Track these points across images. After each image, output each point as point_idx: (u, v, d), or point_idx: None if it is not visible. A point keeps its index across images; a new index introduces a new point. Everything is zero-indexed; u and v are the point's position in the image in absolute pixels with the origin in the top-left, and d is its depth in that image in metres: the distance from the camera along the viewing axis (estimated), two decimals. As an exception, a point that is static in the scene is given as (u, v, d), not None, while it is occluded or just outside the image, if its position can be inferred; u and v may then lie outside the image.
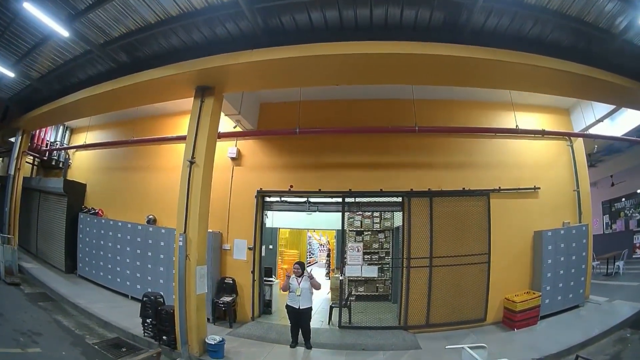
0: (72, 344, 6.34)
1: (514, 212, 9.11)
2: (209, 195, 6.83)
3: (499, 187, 8.97)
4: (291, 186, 8.72)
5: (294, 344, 7.21)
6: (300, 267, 7.30)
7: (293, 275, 7.20)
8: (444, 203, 8.55)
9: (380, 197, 8.73)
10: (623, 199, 17.90)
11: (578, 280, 9.27)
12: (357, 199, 8.71)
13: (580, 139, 10.18)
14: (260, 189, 8.86)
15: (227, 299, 8.31)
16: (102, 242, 9.94)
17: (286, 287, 7.14)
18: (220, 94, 7.19)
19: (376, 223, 11.06)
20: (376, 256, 10.72)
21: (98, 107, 8.85)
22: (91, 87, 8.02)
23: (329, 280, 12.06)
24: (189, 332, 6.39)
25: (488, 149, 9.26)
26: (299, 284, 7.09)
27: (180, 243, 6.48)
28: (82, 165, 11.63)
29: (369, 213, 10.91)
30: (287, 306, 7.14)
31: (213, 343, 6.34)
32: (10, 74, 8.32)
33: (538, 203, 9.40)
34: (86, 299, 8.62)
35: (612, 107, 9.25)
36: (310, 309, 7.19)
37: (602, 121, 9.84)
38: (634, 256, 15.20)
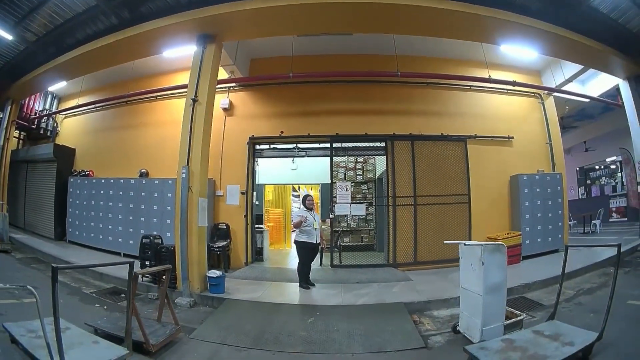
0: (69, 294, 6.22)
1: (491, 158, 9.41)
2: (209, 131, 6.90)
3: (475, 134, 9.27)
4: (282, 132, 8.84)
5: (311, 284, 6.82)
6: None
7: (305, 209, 6.91)
8: (425, 146, 8.76)
9: (365, 141, 8.93)
10: (596, 167, 18.47)
11: (556, 225, 9.51)
12: (344, 144, 8.90)
13: (551, 98, 10.57)
14: (252, 135, 8.95)
15: (222, 243, 8.27)
16: (92, 203, 9.78)
17: (300, 223, 6.67)
18: (220, 43, 7.31)
19: (359, 175, 11.17)
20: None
21: (96, 63, 8.69)
22: (91, 42, 7.94)
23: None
24: (190, 268, 6.30)
25: (464, 101, 9.58)
26: (314, 218, 6.83)
27: (183, 175, 6.48)
28: (71, 131, 11.44)
29: (352, 165, 11.08)
30: (302, 243, 6.72)
31: (214, 276, 6.23)
32: (9, 37, 7.99)
33: (513, 151, 9.74)
34: (79, 258, 8.44)
35: (580, 68, 9.57)
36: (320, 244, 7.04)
37: (571, 81, 10.22)
38: (610, 220, 15.58)
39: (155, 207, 8.80)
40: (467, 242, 4.51)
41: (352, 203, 8.48)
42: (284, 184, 13.08)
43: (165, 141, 8.99)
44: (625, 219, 15.57)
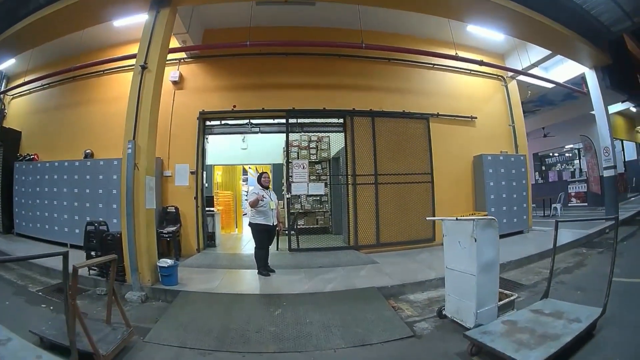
0: (15, 293, 5.43)
1: (453, 137, 8.99)
2: (158, 102, 6.10)
3: (438, 113, 8.80)
4: (234, 106, 8.04)
5: (271, 270, 6.12)
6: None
7: (260, 188, 6.12)
8: (386, 123, 8.19)
9: (323, 117, 8.27)
10: (550, 154, 18.54)
11: (521, 207, 9.29)
12: (300, 120, 8.19)
13: (514, 82, 10.34)
14: (203, 110, 8.08)
15: (172, 228, 7.43)
16: (37, 189, 8.78)
17: (257, 202, 5.83)
18: (175, 7, 6.48)
19: (313, 154, 10.39)
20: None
21: (44, 33, 7.56)
22: (39, 11, 6.93)
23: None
24: (138, 257, 5.47)
25: (426, 78, 9.08)
26: (270, 197, 6.07)
27: (129, 150, 5.63)
28: (17, 112, 10.24)
29: (306, 144, 10.34)
30: (258, 225, 5.94)
31: (165, 266, 5.41)
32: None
33: (476, 132, 9.39)
34: (25, 253, 7.36)
35: (546, 53, 9.31)
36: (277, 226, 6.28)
37: (535, 67, 9.97)
38: (569, 204, 15.54)
39: (100, 191, 7.86)
40: (457, 217, 4.01)
41: (310, 182, 7.76)
42: (234, 164, 12.20)
43: (113, 118, 8.00)
44: (586, 204, 15.59)
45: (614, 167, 9.94)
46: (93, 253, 6.03)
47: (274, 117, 8.38)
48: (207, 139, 8.51)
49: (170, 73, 8.17)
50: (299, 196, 9.45)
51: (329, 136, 10.10)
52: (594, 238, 8.06)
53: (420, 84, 8.92)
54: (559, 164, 18.68)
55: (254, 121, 8.49)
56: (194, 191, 7.86)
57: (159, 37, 6.08)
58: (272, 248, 7.20)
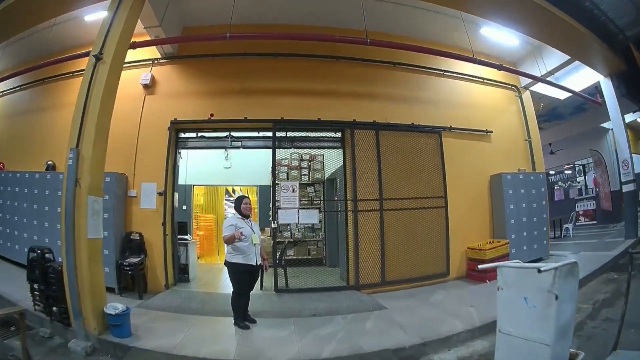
0: None
1: (468, 154, 7.63)
2: (112, 101, 4.78)
3: (450, 126, 7.40)
4: (211, 115, 6.50)
5: (251, 321, 4.68)
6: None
7: (239, 217, 4.63)
8: (393, 138, 6.75)
9: (317, 130, 6.79)
10: (551, 172, 17.34)
11: (541, 231, 7.99)
12: (290, 133, 6.65)
13: (528, 93, 9.11)
14: (175, 119, 6.54)
15: (134, 260, 5.91)
16: (0, 202, 7.32)
17: (233, 239, 4.36)
18: None
19: (305, 175, 8.76)
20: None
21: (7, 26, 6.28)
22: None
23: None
24: (81, 298, 4.16)
25: (437, 87, 7.68)
26: (252, 228, 4.59)
27: (70, 161, 4.31)
28: None
29: (297, 163, 8.73)
30: (237, 265, 4.45)
31: (113, 314, 4.16)
32: None
33: (491, 147, 8.03)
34: None
35: (559, 62, 8.30)
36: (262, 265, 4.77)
37: (553, 74, 8.81)
38: (577, 223, 14.32)
39: (59, 210, 6.21)
40: (519, 264, 2.89)
41: (301, 208, 6.21)
42: (215, 185, 10.53)
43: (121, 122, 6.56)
44: (595, 222, 14.51)
45: (634, 181, 8.90)
46: (36, 285, 4.69)
47: (259, 129, 6.86)
48: (179, 153, 6.96)
49: (142, 75, 6.76)
50: (288, 224, 7.90)
51: (323, 155, 8.51)
52: (620, 259, 6.99)
53: (430, 93, 7.53)
54: (560, 182, 17.46)
55: (235, 134, 6.91)
56: (161, 216, 6.29)
57: (120, 22, 4.83)
58: (256, 288, 5.74)
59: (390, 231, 6.44)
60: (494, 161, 7.80)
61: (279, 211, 6.09)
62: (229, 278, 4.66)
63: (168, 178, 6.42)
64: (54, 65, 7.07)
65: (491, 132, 7.90)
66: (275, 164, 6.41)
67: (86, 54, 6.19)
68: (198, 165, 8.87)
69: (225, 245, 4.61)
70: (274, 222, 6.15)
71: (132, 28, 5.19)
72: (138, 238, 6.18)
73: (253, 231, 4.56)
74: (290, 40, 6.26)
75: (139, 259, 5.96)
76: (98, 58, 4.59)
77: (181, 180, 8.47)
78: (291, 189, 6.11)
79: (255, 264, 4.50)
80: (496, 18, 6.63)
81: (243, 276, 4.47)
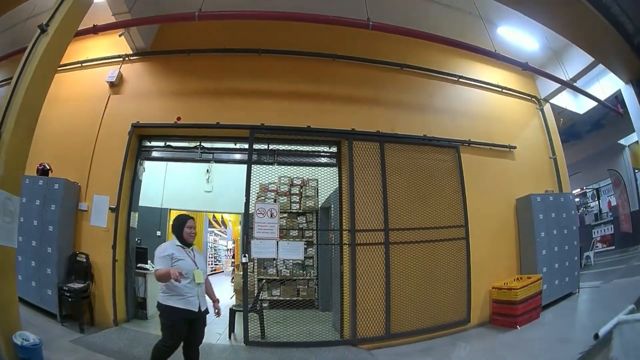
0: None
1: (490, 173, 6.24)
2: (48, 81, 3.76)
3: (469, 140, 5.98)
4: (178, 118, 5.14)
5: None
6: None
7: (178, 245, 3.22)
8: (402, 152, 5.34)
9: (307, 143, 5.37)
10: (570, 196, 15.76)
11: (572, 261, 6.62)
12: (272, 146, 5.19)
13: (549, 106, 7.85)
14: (137, 122, 5.18)
15: (77, 285, 4.61)
16: None
17: (168, 276, 2.91)
18: None
19: (295, 203, 7.18)
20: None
21: None
22: None
23: (233, 283, 7.82)
24: None
25: (452, 94, 6.34)
26: (194, 261, 3.21)
27: None
28: None
29: (286, 188, 7.16)
30: (171, 310, 3.03)
31: (19, 344, 3.10)
32: None
33: (515, 166, 6.65)
34: None
35: (578, 70, 7.25)
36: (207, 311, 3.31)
37: (575, 81, 7.50)
38: (594, 250, 12.84)
39: (50, 229, 4.87)
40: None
41: (282, 239, 4.65)
42: (194, 210, 8.87)
43: (81, 124, 5.50)
44: (613, 247, 12.94)
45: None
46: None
47: (235, 140, 5.43)
48: (142, 164, 5.54)
49: (109, 72, 5.59)
50: (274, 259, 6.34)
51: (317, 180, 6.96)
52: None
53: (445, 101, 6.17)
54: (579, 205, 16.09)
55: (207, 144, 5.52)
56: (112, 236, 4.88)
57: None
58: (224, 335, 4.56)
59: (398, 269, 4.94)
60: (519, 182, 6.41)
61: (253, 242, 4.56)
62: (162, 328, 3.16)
63: (123, 192, 5.04)
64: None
65: (514, 147, 6.55)
66: (250, 180, 4.80)
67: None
68: (176, 187, 7.62)
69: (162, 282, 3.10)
70: (244, 256, 4.59)
71: (87, 3, 4.13)
72: (84, 260, 4.87)
73: (196, 265, 3.15)
74: (272, 20, 4.86)
75: (83, 285, 4.71)
76: (43, 30, 3.68)
77: (156, 203, 7.32)
78: (269, 214, 4.57)
79: (198, 310, 3.09)
80: (519, 5, 5.32)
81: (179, 325, 3.02)
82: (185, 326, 3.05)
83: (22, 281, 4.58)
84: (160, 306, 3.07)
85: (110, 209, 5.00)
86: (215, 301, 3.35)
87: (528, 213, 6.02)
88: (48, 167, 5.13)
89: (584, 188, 15.25)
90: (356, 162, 5.02)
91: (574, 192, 15.24)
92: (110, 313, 4.83)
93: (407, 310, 4.92)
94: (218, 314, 3.37)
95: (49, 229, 4.69)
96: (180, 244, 3.18)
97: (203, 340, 3.28)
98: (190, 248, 3.25)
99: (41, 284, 4.71)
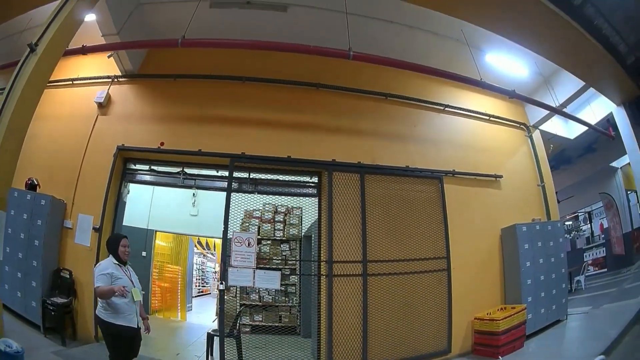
0: None
1: (475, 204, 6.10)
2: (35, 101, 3.77)
3: (453, 170, 5.83)
4: (162, 143, 5.11)
5: None
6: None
7: (115, 263, 3.18)
8: (383, 183, 5.23)
9: (288, 173, 5.25)
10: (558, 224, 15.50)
11: (560, 289, 6.45)
12: (252, 175, 5.10)
13: (538, 132, 7.67)
14: (122, 145, 5.16)
15: (60, 300, 4.65)
16: None
17: (112, 293, 2.94)
18: None
19: (279, 230, 7.03)
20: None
21: None
22: None
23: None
24: None
25: (437, 124, 6.27)
26: (131, 280, 3.20)
27: None
28: None
29: (271, 216, 7.03)
30: (111, 326, 3.02)
31: (2, 350, 3.03)
32: None
33: (501, 195, 6.48)
34: None
35: (568, 95, 7.01)
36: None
37: (565, 107, 7.37)
38: (586, 274, 12.55)
39: (36, 242, 4.88)
40: None
41: (259, 268, 4.54)
42: (180, 233, 8.83)
43: (70, 140, 5.50)
44: (605, 269, 12.62)
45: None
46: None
47: (217, 167, 5.34)
48: (126, 187, 5.49)
49: (97, 93, 5.58)
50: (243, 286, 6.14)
51: (301, 208, 6.87)
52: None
53: (429, 131, 6.08)
54: (565, 234, 15.81)
55: (189, 170, 5.45)
56: (95, 255, 4.80)
57: (65, 13, 3.90)
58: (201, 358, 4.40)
59: (376, 300, 4.79)
60: (505, 211, 6.25)
61: (229, 270, 4.45)
62: (105, 341, 3.16)
63: (107, 213, 5.01)
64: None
65: (501, 177, 6.40)
66: (229, 209, 4.68)
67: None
68: (162, 209, 7.53)
69: (100, 301, 3.09)
70: (221, 284, 4.47)
71: (76, 23, 4.12)
72: (68, 276, 4.90)
73: (133, 284, 3.19)
74: (253, 49, 4.86)
75: (66, 300, 4.73)
76: (32, 49, 3.71)
77: (142, 223, 7.20)
78: (246, 243, 4.46)
79: (136, 327, 3.17)
80: (502, 31, 5.19)
81: (124, 342, 3.10)
82: (128, 342, 3.11)
83: (8, 290, 4.64)
84: (101, 323, 3.08)
85: (93, 228, 4.97)
86: (145, 319, 3.34)
87: (513, 243, 5.84)
88: (36, 182, 5.17)
89: (577, 212, 15.00)
90: (335, 193, 4.92)
91: (566, 216, 15.10)
92: (92, 329, 4.75)
93: (385, 340, 4.76)
94: (147, 330, 3.36)
95: (35, 243, 4.71)
96: (117, 262, 3.18)
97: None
98: (126, 266, 3.27)
99: (26, 295, 4.72)
